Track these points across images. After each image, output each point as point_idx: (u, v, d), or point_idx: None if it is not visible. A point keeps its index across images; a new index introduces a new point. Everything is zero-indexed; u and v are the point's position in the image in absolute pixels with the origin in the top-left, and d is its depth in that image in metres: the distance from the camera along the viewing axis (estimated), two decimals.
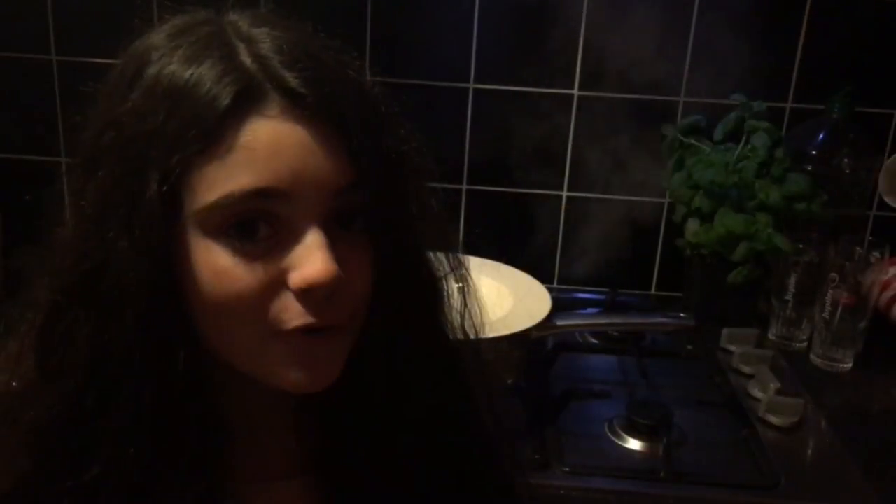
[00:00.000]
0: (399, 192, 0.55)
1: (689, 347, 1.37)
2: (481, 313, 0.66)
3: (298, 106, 0.51)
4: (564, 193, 1.55)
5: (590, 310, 1.47)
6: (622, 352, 1.35)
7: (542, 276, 1.33)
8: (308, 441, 0.62)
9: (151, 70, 0.52)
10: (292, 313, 0.52)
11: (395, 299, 0.56)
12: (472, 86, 1.50)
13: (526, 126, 1.51)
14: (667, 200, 1.54)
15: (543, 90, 1.49)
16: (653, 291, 1.60)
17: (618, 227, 1.55)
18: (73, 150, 0.56)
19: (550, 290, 1.28)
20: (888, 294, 1.43)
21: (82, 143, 0.55)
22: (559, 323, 1.18)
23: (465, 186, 1.55)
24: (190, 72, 0.51)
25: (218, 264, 0.51)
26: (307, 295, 0.52)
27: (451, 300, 0.64)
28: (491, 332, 1.04)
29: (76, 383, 0.53)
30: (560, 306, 1.30)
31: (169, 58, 0.52)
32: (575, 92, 1.50)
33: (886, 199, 1.42)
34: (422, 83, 1.50)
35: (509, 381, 1.15)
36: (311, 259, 0.51)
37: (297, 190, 0.51)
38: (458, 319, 0.64)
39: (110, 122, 0.53)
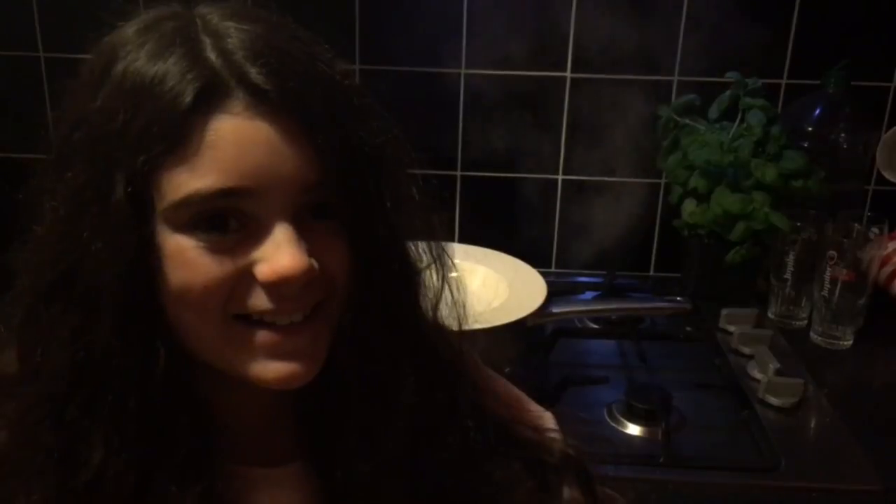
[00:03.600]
0: (370, 185, 0.55)
1: (688, 329, 1.37)
2: (465, 301, 0.66)
3: (263, 102, 0.50)
4: (560, 177, 1.54)
5: (587, 294, 1.47)
6: (621, 335, 1.35)
7: (539, 260, 1.32)
8: (302, 426, 0.62)
9: (119, 67, 0.52)
10: (259, 302, 0.53)
11: (371, 289, 0.56)
12: (463, 71, 1.48)
13: (519, 110, 1.50)
14: (663, 181, 1.53)
15: (536, 73, 1.48)
16: (651, 273, 1.60)
17: (614, 210, 1.55)
18: (47, 144, 0.56)
19: (548, 274, 1.27)
20: (888, 269, 1.42)
21: (54, 138, 0.55)
22: (555, 310, 1.17)
23: (459, 173, 1.54)
24: (155, 68, 0.51)
25: (186, 256, 0.51)
26: (277, 288, 0.52)
27: (432, 290, 0.63)
28: (486, 322, 1.04)
29: (58, 383, 0.53)
30: (558, 290, 1.29)
31: (136, 54, 0.52)
32: (568, 74, 1.48)
33: (884, 173, 1.41)
34: (413, 70, 1.48)
35: (507, 370, 1.15)
36: (280, 252, 0.51)
37: (263, 188, 0.51)
38: (441, 308, 0.64)
39: (80, 119, 0.53)
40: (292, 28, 0.56)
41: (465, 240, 1.27)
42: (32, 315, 0.54)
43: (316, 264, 0.52)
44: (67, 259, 0.52)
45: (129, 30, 0.54)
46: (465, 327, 0.69)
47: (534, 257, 1.31)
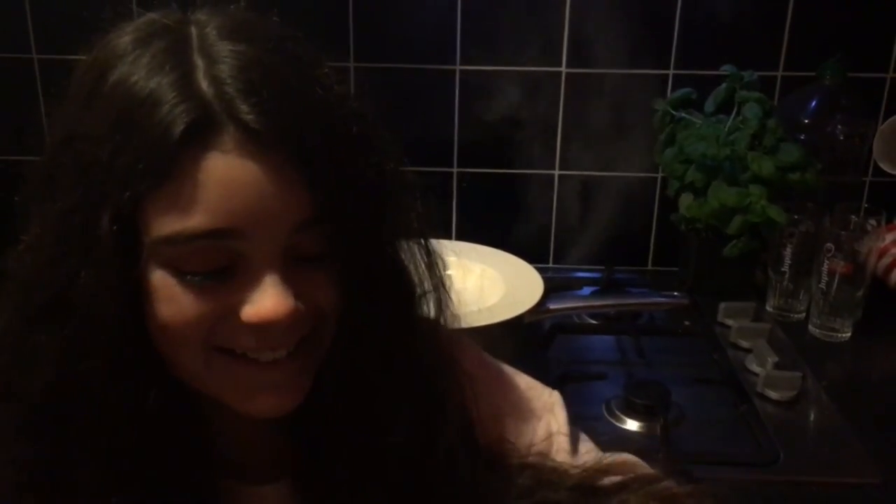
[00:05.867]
0: (366, 219, 0.53)
1: (687, 323, 1.36)
2: (460, 317, 0.65)
3: (254, 141, 0.48)
4: (556, 172, 1.54)
5: (585, 289, 1.46)
6: (619, 331, 1.35)
7: (537, 256, 1.32)
8: (291, 445, 0.62)
9: (109, 84, 0.50)
10: (243, 340, 0.52)
11: (361, 321, 0.55)
12: (458, 67, 1.48)
13: (515, 106, 1.49)
14: (660, 175, 1.53)
15: (530, 69, 1.48)
16: (649, 267, 1.59)
17: (612, 205, 1.54)
18: (40, 150, 0.54)
19: (546, 270, 1.27)
20: (885, 261, 1.42)
21: (45, 152, 0.53)
22: (552, 307, 1.17)
23: (455, 169, 1.54)
24: (145, 92, 0.49)
25: (169, 292, 0.50)
26: (260, 329, 0.51)
27: (430, 307, 0.62)
28: (483, 320, 1.04)
29: (33, 409, 0.52)
30: (556, 286, 1.29)
31: (127, 70, 0.50)
32: (563, 69, 1.48)
33: (881, 164, 1.41)
34: (407, 66, 1.47)
35: None
36: (265, 296, 0.50)
37: (251, 228, 0.49)
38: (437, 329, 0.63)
39: (69, 137, 0.51)
40: (292, 45, 0.53)
41: (461, 237, 1.26)
42: (18, 336, 0.53)
43: (301, 306, 0.51)
44: (56, 285, 0.51)
45: (124, 39, 0.52)
46: (462, 325, 0.68)
47: (531, 253, 1.31)
